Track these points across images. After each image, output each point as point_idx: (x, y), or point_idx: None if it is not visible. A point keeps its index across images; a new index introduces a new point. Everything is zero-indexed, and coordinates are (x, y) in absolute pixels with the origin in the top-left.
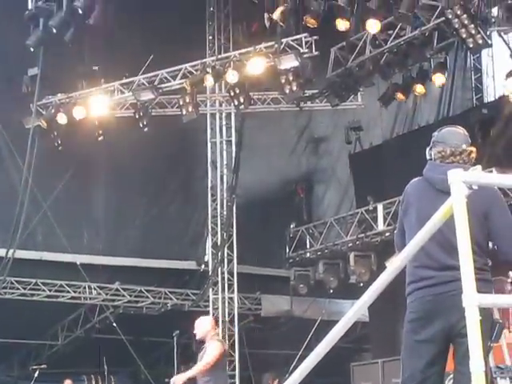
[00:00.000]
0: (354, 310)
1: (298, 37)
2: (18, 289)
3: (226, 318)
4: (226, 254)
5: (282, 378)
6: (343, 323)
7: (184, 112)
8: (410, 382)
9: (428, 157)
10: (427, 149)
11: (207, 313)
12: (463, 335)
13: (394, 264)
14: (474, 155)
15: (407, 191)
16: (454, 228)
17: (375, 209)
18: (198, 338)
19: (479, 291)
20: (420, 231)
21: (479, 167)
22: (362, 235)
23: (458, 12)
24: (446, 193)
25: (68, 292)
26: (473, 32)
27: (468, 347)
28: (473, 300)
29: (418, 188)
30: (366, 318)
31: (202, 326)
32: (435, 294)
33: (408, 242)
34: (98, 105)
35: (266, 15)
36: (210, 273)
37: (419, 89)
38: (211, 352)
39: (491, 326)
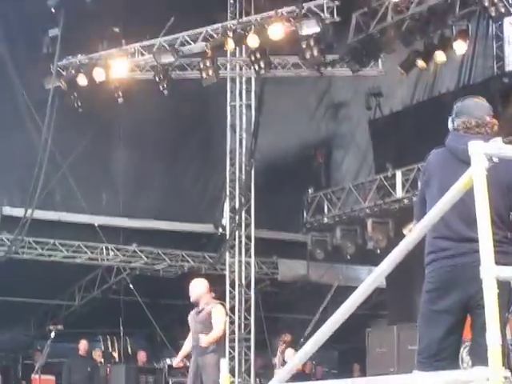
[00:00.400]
0: (373, 278)
1: (319, 2)
2: (35, 249)
3: (243, 282)
4: (243, 218)
5: (295, 342)
6: (361, 291)
7: (204, 75)
8: (426, 351)
9: (450, 127)
10: (449, 118)
11: (224, 276)
12: (481, 307)
13: (413, 233)
14: (496, 128)
15: (429, 161)
16: (475, 200)
17: (394, 175)
18: (192, 300)
19: (498, 263)
20: (439, 201)
21: (499, 139)
22: (381, 202)
23: None
24: (469, 163)
25: (85, 253)
26: (495, 0)
27: (485, 319)
28: (491, 272)
29: (441, 158)
30: (382, 284)
31: (197, 289)
32: (453, 265)
33: (428, 211)
34: (118, 66)
35: None
36: (227, 236)
37: (440, 56)
38: (219, 318)
39: (509, 299)
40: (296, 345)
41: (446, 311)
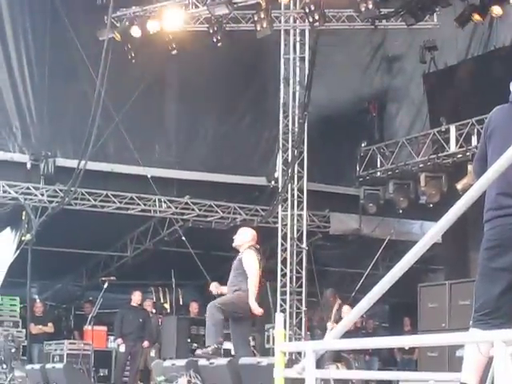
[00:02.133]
0: (432, 234)
1: None
2: (88, 200)
3: (295, 235)
4: (296, 171)
5: (344, 297)
6: (420, 246)
7: (258, 28)
8: (483, 309)
9: None
10: None
11: (276, 229)
12: None
13: (474, 189)
14: None
15: (492, 117)
16: None
17: (448, 130)
18: (234, 244)
19: None
20: (500, 158)
21: None
22: (434, 156)
23: None
24: None
25: (138, 204)
26: None
27: None
28: None
29: (506, 114)
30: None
31: (242, 236)
32: None
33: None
34: (172, 18)
35: None
36: (279, 189)
37: (496, 10)
38: (250, 263)
39: None
40: (346, 299)
41: (504, 269)
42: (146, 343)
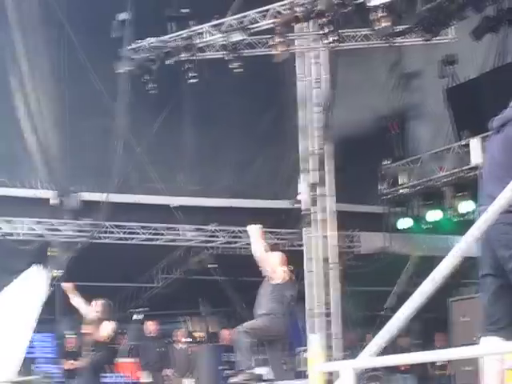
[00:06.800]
0: (458, 249)
1: None
2: (115, 233)
3: (322, 257)
4: (319, 193)
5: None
6: (448, 261)
7: (274, 52)
8: (485, 317)
9: None
10: None
11: (301, 252)
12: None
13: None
14: None
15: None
16: (498, 160)
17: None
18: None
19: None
20: None
21: None
22: (457, 170)
23: None
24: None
25: (164, 235)
26: None
27: None
28: None
29: (492, 141)
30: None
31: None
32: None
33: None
34: (187, 48)
35: None
36: (304, 211)
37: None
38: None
39: None
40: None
41: (488, 274)
42: (168, 371)
